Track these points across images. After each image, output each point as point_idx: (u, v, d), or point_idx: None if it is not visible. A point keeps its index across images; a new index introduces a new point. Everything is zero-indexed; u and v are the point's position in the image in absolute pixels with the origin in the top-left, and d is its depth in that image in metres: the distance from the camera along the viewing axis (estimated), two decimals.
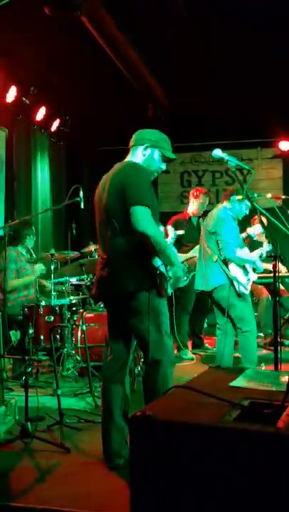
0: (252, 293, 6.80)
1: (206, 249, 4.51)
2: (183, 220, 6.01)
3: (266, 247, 4.68)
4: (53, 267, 5.02)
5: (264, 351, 6.19)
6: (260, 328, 6.76)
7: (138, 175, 2.80)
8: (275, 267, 3.25)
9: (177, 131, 8.04)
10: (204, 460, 1.66)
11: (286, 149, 8.03)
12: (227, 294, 4.33)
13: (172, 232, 4.83)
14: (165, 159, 2.99)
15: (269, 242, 5.07)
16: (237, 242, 4.44)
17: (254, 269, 4.60)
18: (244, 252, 4.46)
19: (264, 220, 4.74)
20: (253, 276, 4.56)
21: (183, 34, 6.13)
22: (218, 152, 3.09)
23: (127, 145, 3.04)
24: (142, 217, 2.67)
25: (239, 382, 2.24)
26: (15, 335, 5.10)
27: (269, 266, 6.49)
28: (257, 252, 4.60)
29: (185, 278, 3.03)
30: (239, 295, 4.38)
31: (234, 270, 4.38)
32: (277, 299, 3.74)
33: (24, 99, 6.64)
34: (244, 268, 4.47)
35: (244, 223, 6.04)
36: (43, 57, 6.09)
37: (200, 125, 7.66)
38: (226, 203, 4.57)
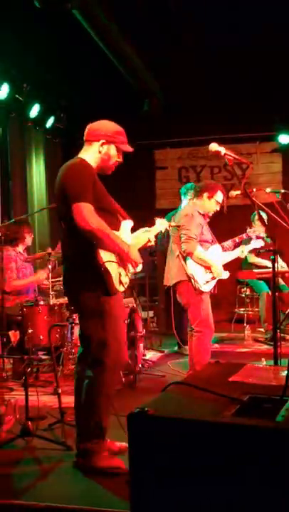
0: (252, 288, 6.86)
1: (172, 244, 4.50)
2: None
3: (253, 243, 4.68)
4: (50, 266, 5.06)
5: (264, 346, 6.23)
6: (261, 323, 6.82)
7: (76, 173, 2.83)
8: (274, 262, 3.29)
9: (174, 126, 8.13)
10: (204, 455, 1.69)
11: (286, 143, 8.04)
12: (185, 290, 4.29)
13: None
14: (123, 151, 3.00)
15: (267, 237, 5.10)
16: (205, 238, 4.37)
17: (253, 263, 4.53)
18: (213, 251, 4.39)
19: (264, 215, 4.77)
20: (221, 275, 4.40)
21: (178, 27, 6.15)
22: (214, 146, 3.12)
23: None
24: (82, 213, 2.70)
25: (239, 377, 2.27)
26: (14, 335, 5.14)
27: (263, 261, 6.59)
28: (233, 253, 4.53)
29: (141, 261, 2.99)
30: (198, 293, 4.28)
31: (192, 266, 4.29)
32: (277, 294, 3.77)
33: (17, 96, 6.65)
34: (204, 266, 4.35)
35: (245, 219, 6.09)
36: (35, 54, 6.10)
37: (198, 120, 7.67)
38: (195, 199, 4.55)
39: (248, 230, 4.82)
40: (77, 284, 2.86)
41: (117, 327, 2.86)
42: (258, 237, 4.83)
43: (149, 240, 3.19)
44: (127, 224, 3.04)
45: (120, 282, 2.85)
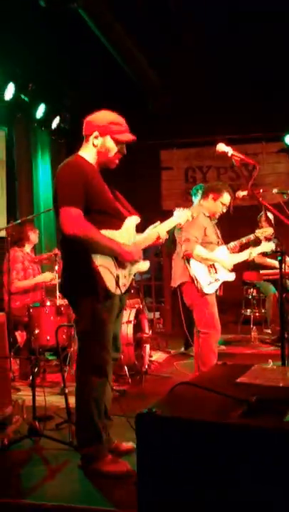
0: (259, 289, 6.86)
1: (178, 245, 4.49)
2: None
3: (263, 245, 4.61)
4: (57, 267, 5.08)
5: (271, 347, 6.24)
6: (268, 324, 6.82)
7: (66, 175, 2.71)
8: (281, 263, 3.30)
9: (181, 127, 8.13)
10: (211, 456, 1.71)
11: None
12: (189, 292, 4.28)
13: None
14: (123, 142, 2.84)
15: (274, 238, 5.08)
16: (209, 239, 4.35)
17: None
18: (219, 252, 4.37)
19: (270, 216, 4.78)
20: (226, 276, 4.37)
21: (184, 28, 6.16)
22: (221, 146, 3.13)
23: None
24: (67, 219, 2.61)
25: (246, 378, 2.29)
26: (21, 336, 5.18)
27: (271, 261, 6.59)
28: (241, 255, 4.48)
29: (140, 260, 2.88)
30: (202, 294, 4.26)
31: (195, 267, 4.27)
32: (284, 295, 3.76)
33: (22, 96, 6.67)
34: (211, 267, 4.33)
35: (251, 219, 6.08)
36: (41, 54, 6.12)
37: (204, 120, 7.67)
38: (201, 200, 4.53)
39: (257, 231, 4.74)
40: (70, 287, 2.82)
41: (103, 333, 2.76)
42: (266, 238, 4.80)
43: (158, 237, 3.01)
44: (132, 220, 2.90)
45: (117, 285, 2.74)
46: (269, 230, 4.75)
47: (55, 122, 7.61)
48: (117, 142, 2.83)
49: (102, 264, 2.68)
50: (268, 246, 4.62)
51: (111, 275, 2.71)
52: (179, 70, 7.25)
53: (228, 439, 1.70)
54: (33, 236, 5.48)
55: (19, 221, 5.33)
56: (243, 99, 7.49)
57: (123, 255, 2.76)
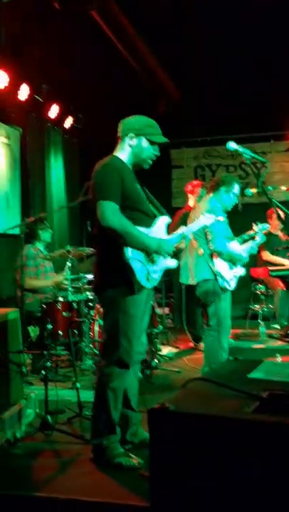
0: (267, 285, 6.79)
1: (193, 241, 4.36)
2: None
3: (259, 238, 4.55)
4: (69, 264, 5.04)
5: (279, 342, 6.17)
6: (276, 319, 6.75)
7: (103, 173, 2.80)
8: None
9: (190, 126, 8.07)
10: (223, 452, 1.66)
11: None
12: (210, 289, 4.18)
13: None
14: (157, 143, 2.94)
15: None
16: (226, 235, 4.29)
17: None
18: (233, 246, 4.31)
19: (281, 213, 4.67)
20: (240, 272, 4.34)
21: (193, 28, 6.10)
22: (232, 145, 3.07)
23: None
24: (105, 212, 2.70)
25: (257, 373, 2.23)
26: (33, 330, 5.14)
27: (279, 259, 6.52)
28: (246, 246, 4.40)
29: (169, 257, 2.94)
30: (221, 291, 4.19)
31: (219, 264, 4.20)
32: None
33: (36, 96, 6.65)
34: (230, 262, 4.28)
35: (260, 217, 6.01)
36: (54, 55, 6.09)
37: (213, 119, 7.61)
38: (212, 195, 4.39)
39: (255, 226, 4.63)
40: (102, 280, 2.86)
41: (130, 326, 2.80)
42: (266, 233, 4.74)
43: (183, 240, 3.10)
44: (162, 220, 2.99)
45: (148, 279, 2.81)
46: (266, 225, 4.68)
47: (68, 122, 7.59)
48: (151, 143, 2.92)
49: (134, 258, 2.75)
50: (263, 237, 4.55)
51: (142, 269, 2.78)
52: (189, 70, 7.19)
53: (241, 435, 1.65)
54: (45, 235, 5.45)
55: (32, 219, 5.30)
56: (251, 98, 7.41)
57: (154, 250, 2.82)
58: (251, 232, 4.59)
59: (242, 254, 4.33)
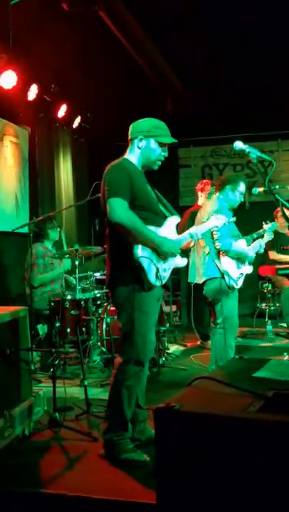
0: (274, 284, 6.77)
1: (200, 240, 4.34)
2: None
3: (267, 237, 4.54)
4: (77, 262, 5.06)
5: (286, 341, 6.15)
6: (283, 318, 6.73)
7: (112, 172, 2.85)
8: None
9: (197, 125, 8.05)
10: (228, 451, 1.66)
11: None
12: (217, 287, 4.17)
13: None
14: (165, 144, 2.98)
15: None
16: (232, 234, 4.28)
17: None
18: (240, 244, 4.30)
19: (287, 211, 4.65)
20: (247, 270, 4.34)
21: (201, 27, 6.08)
22: (239, 144, 3.06)
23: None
24: (114, 208, 2.73)
25: (262, 372, 2.23)
26: (42, 328, 5.17)
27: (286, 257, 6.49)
28: (254, 244, 4.39)
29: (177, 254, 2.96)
30: (228, 289, 4.18)
31: (226, 263, 4.19)
32: None
33: (45, 96, 6.66)
34: (238, 261, 4.27)
35: (268, 216, 5.99)
36: (63, 55, 6.09)
37: (220, 118, 7.59)
38: (218, 194, 4.39)
39: (265, 224, 4.66)
40: (113, 278, 2.89)
41: (145, 323, 2.83)
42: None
43: (191, 239, 3.09)
44: (172, 220, 3.02)
45: (158, 277, 2.83)
46: (275, 224, 4.69)
47: (77, 122, 7.60)
48: (160, 145, 2.95)
49: (145, 255, 2.77)
50: (271, 235, 4.56)
51: (152, 266, 2.80)
52: (197, 69, 7.16)
53: (246, 434, 1.65)
54: (54, 233, 5.47)
55: (41, 217, 5.32)
56: (259, 97, 7.38)
57: (161, 248, 2.84)
58: (261, 231, 4.60)
59: (249, 252, 4.32)
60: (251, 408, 1.74)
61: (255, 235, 4.58)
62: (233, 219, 4.04)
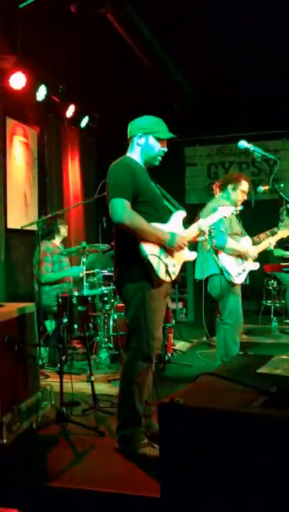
0: (279, 281, 6.73)
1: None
2: None
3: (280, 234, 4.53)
4: (84, 260, 5.05)
5: None
6: (288, 315, 6.70)
7: (114, 172, 2.84)
8: None
9: (203, 124, 8.02)
10: (232, 446, 1.64)
11: None
12: (217, 283, 4.16)
13: None
14: (164, 140, 2.96)
15: None
16: (231, 231, 4.25)
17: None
18: (244, 242, 4.29)
19: None
20: (252, 266, 4.32)
21: (206, 27, 6.04)
22: (243, 143, 3.04)
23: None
24: (116, 209, 2.73)
25: (266, 368, 2.21)
26: (50, 324, 5.18)
27: None
28: (259, 247, 4.38)
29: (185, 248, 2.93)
30: (229, 285, 4.16)
31: (224, 259, 4.18)
32: None
33: (53, 97, 6.67)
34: (239, 257, 4.25)
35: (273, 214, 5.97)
36: (71, 56, 6.09)
37: (226, 117, 7.55)
38: (220, 194, 4.40)
39: (279, 224, 4.67)
40: (121, 275, 2.88)
41: (152, 320, 2.81)
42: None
43: (199, 232, 3.05)
44: (178, 214, 3.00)
45: (167, 273, 2.81)
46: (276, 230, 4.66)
47: (84, 122, 7.59)
48: (158, 140, 2.94)
49: (153, 252, 2.76)
50: (284, 233, 4.56)
51: (161, 263, 2.78)
52: (202, 68, 7.13)
53: (250, 429, 1.64)
54: (63, 230, 5.50)
55: (50, 215, 5.33)
56: (264, 96, 7.33)
57: (167, 243, 2.83)
58: (264, 238, 4.58)
59: (250, 250, 4.29)
60: (255, 403, 1.73)
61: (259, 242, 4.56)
62: (240, 207, 3.99)
